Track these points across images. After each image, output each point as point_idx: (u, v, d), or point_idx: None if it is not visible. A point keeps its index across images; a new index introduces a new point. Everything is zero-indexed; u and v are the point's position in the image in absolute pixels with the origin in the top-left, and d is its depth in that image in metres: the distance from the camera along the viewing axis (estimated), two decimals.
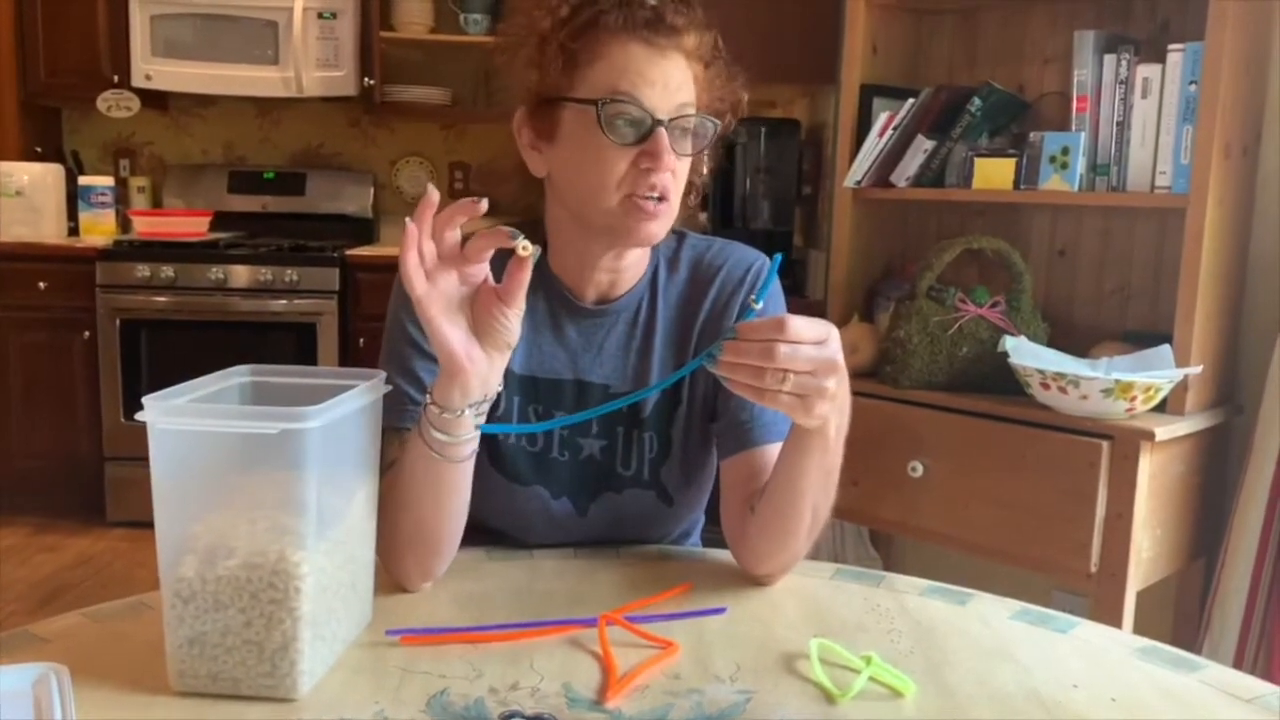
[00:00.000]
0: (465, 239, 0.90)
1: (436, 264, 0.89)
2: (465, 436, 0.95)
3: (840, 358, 0.87)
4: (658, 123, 1.01)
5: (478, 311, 0.91)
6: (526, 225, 1.19)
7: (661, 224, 1.05)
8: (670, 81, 1.02)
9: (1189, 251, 1.99)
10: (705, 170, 1.16)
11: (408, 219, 0.87)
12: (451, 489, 0.99)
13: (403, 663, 0.87)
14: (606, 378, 1.16)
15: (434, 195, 0.87)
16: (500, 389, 0.96)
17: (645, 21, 1.01)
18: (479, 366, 0.91)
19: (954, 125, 2.33)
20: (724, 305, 1.16)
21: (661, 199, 1.03)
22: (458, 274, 0.90)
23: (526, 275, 0.90)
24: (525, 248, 0.88)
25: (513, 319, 0.91)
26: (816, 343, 0.85)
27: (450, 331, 0.90)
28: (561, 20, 1.04)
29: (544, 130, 1.08)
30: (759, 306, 0.90)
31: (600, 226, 1.07)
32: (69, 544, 3.42)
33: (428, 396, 0.94)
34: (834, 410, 0.91)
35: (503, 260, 0.90)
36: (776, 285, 1.17)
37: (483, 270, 0.91)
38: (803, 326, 0.84)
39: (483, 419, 0.96)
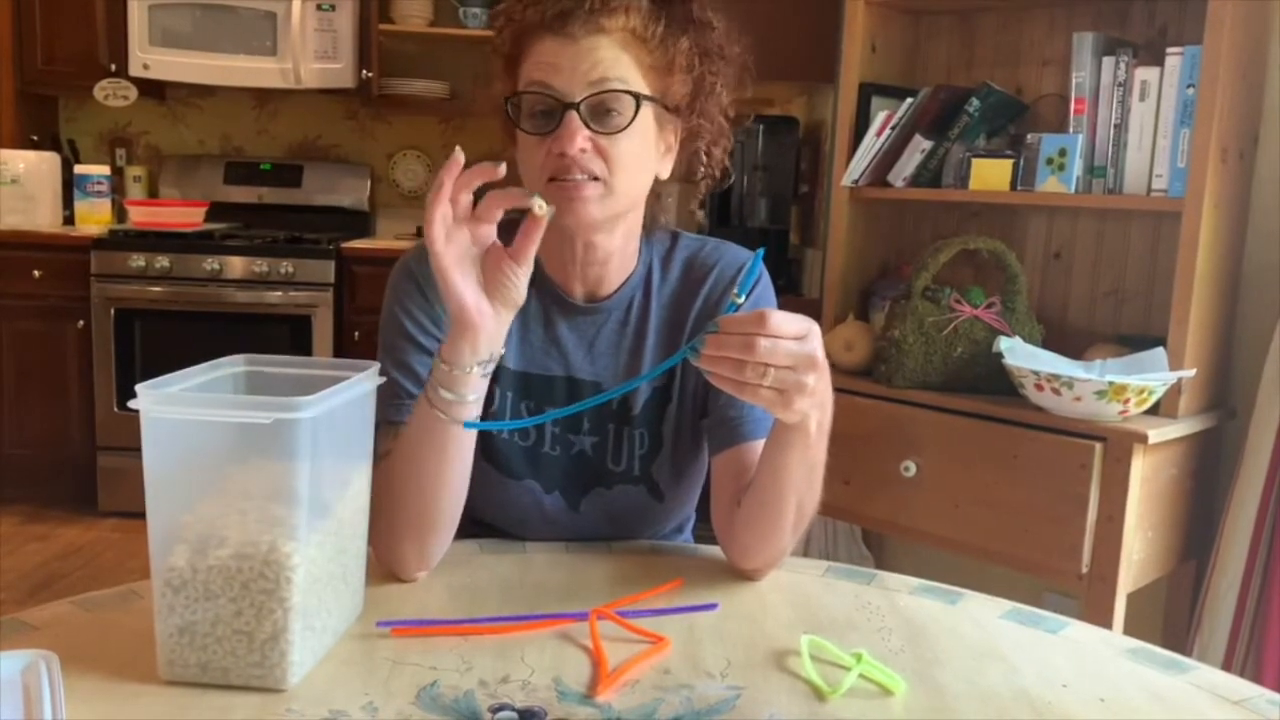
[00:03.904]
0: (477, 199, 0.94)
1: (452, 223, 0.92)
2: (471, 396, 0.96)
3: (820, 354, 0.87)
4: (567, 106, 1.02)
5: (488, 269, 0.95)
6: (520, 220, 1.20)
7: (596, 204, 1.04)
8: (581, 65, 1.02)
9: (1184, 255, 1.99)
10: (709, 134, 1.14)
11: (443, 174, 0.90)
12: (454, 457, 1.00)
13: (393, 654, 0.87)
14: (598, 375, 1.16)
15: (460, 155, 0.91)
16: (502, 351, 0.99)
17: (558, 14, 1.02)
18: (488, 321, 0.95)
19: (952, 125, 2.33)
20: (715, 304, 1.16)
21: (594, 179, 1.03)
22: (470, 234, 0.94)
23: (539, 235, 0.94)
24: (540, 207, 0.92)
25: (521, 276, 0.95)
26: (797, 338, 0.85)
27: (463, 285, 0.93)
28: (499, 30, 1.09)
29: (512, 136, 1.10)
30: (741, 300, 0.91)
31: None
32: (60, 533, 3.42)
33: (444, 367, 0.96)
34: (814, 406, 0.91)
35: (511, 230, 0.94)
36: (766, 281, 1.17)
37: (493, 232, 0.95)
38: (783, 321, 0.85)
39: (486, 381, 0.98)
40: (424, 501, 1.00)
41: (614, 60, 1.03)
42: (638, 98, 1.03)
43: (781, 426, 0.96)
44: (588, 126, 1.02)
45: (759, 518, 1.03)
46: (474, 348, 0.95)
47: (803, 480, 1.00)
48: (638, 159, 1.07)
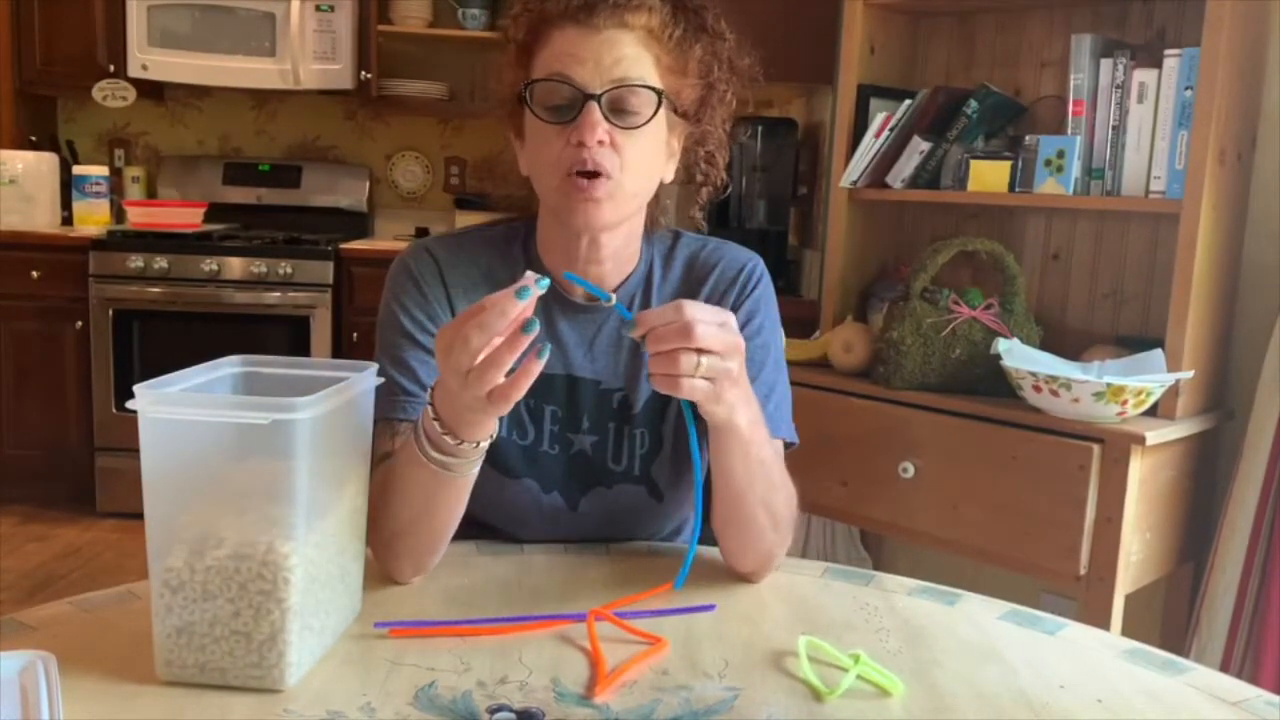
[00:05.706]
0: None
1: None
2: (475, 458, 0.95)
3: (741, 339, 0.90)
4: (587, 98, 1.01)
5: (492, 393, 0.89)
6: (519, 221, 1.19)
7: (606, 205, 1.04)
8: (604, 58, 1.02)
9: (1182, 256, 1.99)
10: (714, 142, 1.15)
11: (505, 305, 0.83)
12: (453, 500, 0.99)
13: (391, 655, 0.87)
14: (598, 374, 1.16)
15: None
16: None
17: (583, 4, 1.02)
18: (496, 423, 0.93)
19: (950, 127, 2.33)
20: (717, 304, 1.16)
21: (600, 174, 1.02)
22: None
23: (537, 371, 0.87)
24: (542, 354, 0.87)
25: (521, 390, 0.88)
26: (720, 324, 0.88)
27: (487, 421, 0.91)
28: (515, 18, 1.08)
29: (519, 128, 1.10)
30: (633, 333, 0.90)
31: (554, 210, 1.08)
32: (58, 534, 3.41)
33: (436, 427, 0.92)
34: (740, 399, 0.93)
35: (510, 277, 0.91)
36: (766, 282, 1.18)
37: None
38: (701, 307, 0.88)
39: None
40: (420, 532, 1.00)
41: (635, 57, 1.03)
42: (659, 94, 1.04)
43: (716, 432, 0.98)
44: (607, 120, 1.02)
45: (730, 525, 1.05)
46: (487, 434, 0.93)
47: (758, 480, 1.01)
48: (649, 158, 1.07)
